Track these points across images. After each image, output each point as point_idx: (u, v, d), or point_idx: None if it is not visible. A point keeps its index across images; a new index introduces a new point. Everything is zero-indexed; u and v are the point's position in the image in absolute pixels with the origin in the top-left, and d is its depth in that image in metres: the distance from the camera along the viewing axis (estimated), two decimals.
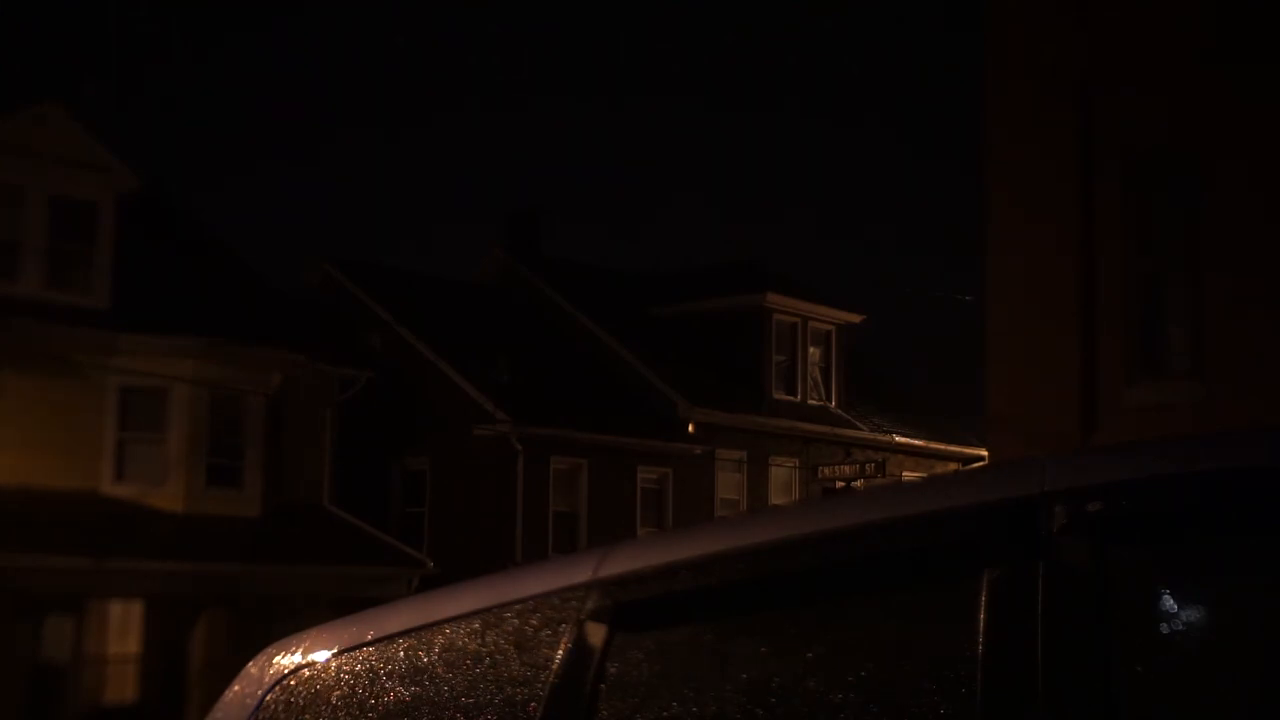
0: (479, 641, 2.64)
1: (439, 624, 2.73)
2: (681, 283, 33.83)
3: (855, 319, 34.04)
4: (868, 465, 30.23)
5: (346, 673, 2.81)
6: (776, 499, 30.59)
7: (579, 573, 2.59)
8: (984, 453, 21.17)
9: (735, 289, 32.27)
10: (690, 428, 29.37)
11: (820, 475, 30.44)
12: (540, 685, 2.48)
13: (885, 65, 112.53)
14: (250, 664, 3.00)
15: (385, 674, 2.74)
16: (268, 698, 2.87)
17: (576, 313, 31.46)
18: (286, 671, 2.89)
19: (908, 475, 31.38)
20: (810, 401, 32.43)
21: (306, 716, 2.80)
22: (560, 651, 2.49)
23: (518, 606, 2.62)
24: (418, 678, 2.69)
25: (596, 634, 2.47)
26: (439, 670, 2.67)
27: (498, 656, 2.59)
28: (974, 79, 13.92)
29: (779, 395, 31.75)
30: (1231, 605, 2.04)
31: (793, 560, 2.34)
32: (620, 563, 2.55)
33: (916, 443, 34.19)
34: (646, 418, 28.94)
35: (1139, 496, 2.08)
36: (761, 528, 2.50)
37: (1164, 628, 2.05)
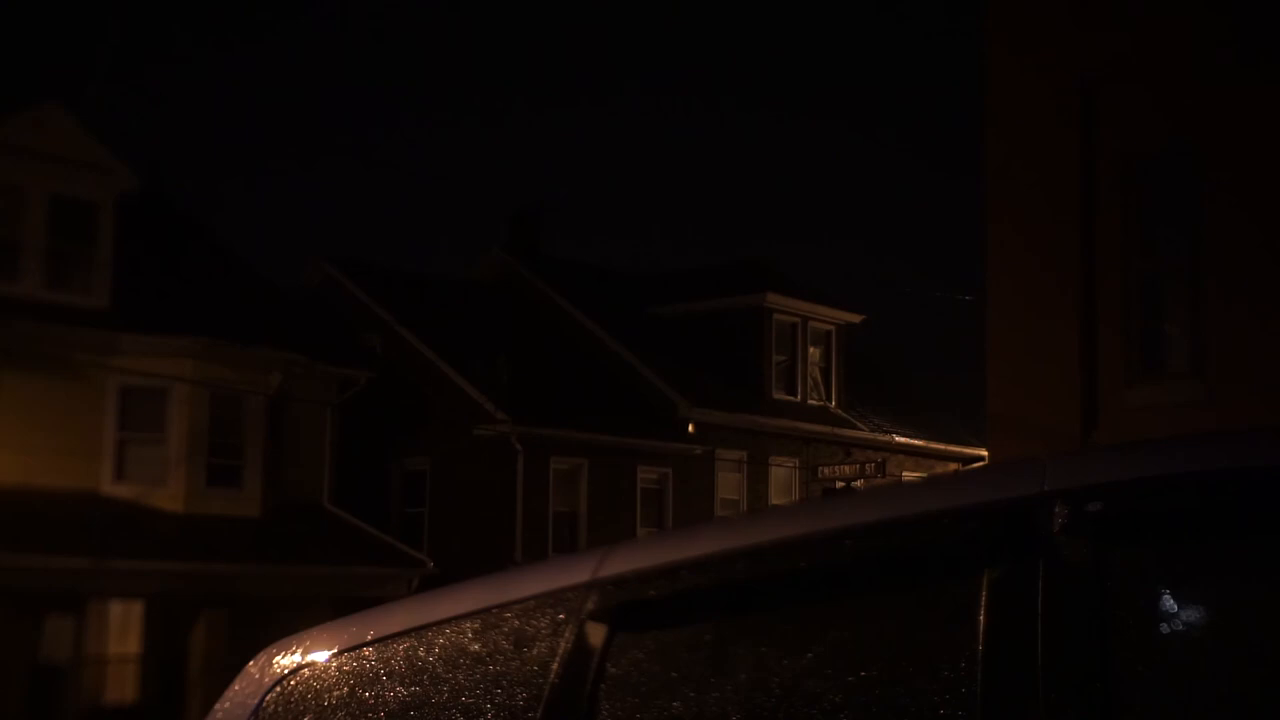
0: (479, 641, 2.64)
1: (439, 624, 2.73)
2: (681, 283, 33.84)
3: (855, 319, 34.04)
4: (868, 465, 30.22)
5: (346, 673, 2.81)
6: (776, 499, 30.59)
7: (579, 573, 2.59)
8: (984, 453, 21.17)
9: (735, 289, 32.27)
10: (690, 428, 29.37)
11: (820, 475, 30.44)
12: (540, 685, 2.48)
13: (885, 65, 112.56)
14: (250, 664, 3.00)
15: (385, 674, 2.74)
16: (268, 698, 2.87)
17: (576, 313, 31.46)
18: (286, 671, 2.89)
19: (908, 475, 31.39)
20: (810, 401, 32.43)
21: (307, 717, 2.80)
22: (560, 652, 2.49)
23: (518, 606, 2.62)
24: (418, 678, 2.69)
25: (596, 634, 2.47)
26: (439, 670, 2.67)
27: (498, 656, 2.59)
28: (975, 78, 13.93)
29: (779, 395, 31.75)
30: (1231, 605, 2.04)
31: (793, 560, 2.34)
32: (620, 563, 2.55)
33: (916, 443, 34.19)
34: (646, 418, 28.95)
35: (1139, 496, 2.09)
36: (761, 528, 2.50)
37: (1163, 627, 2.05)
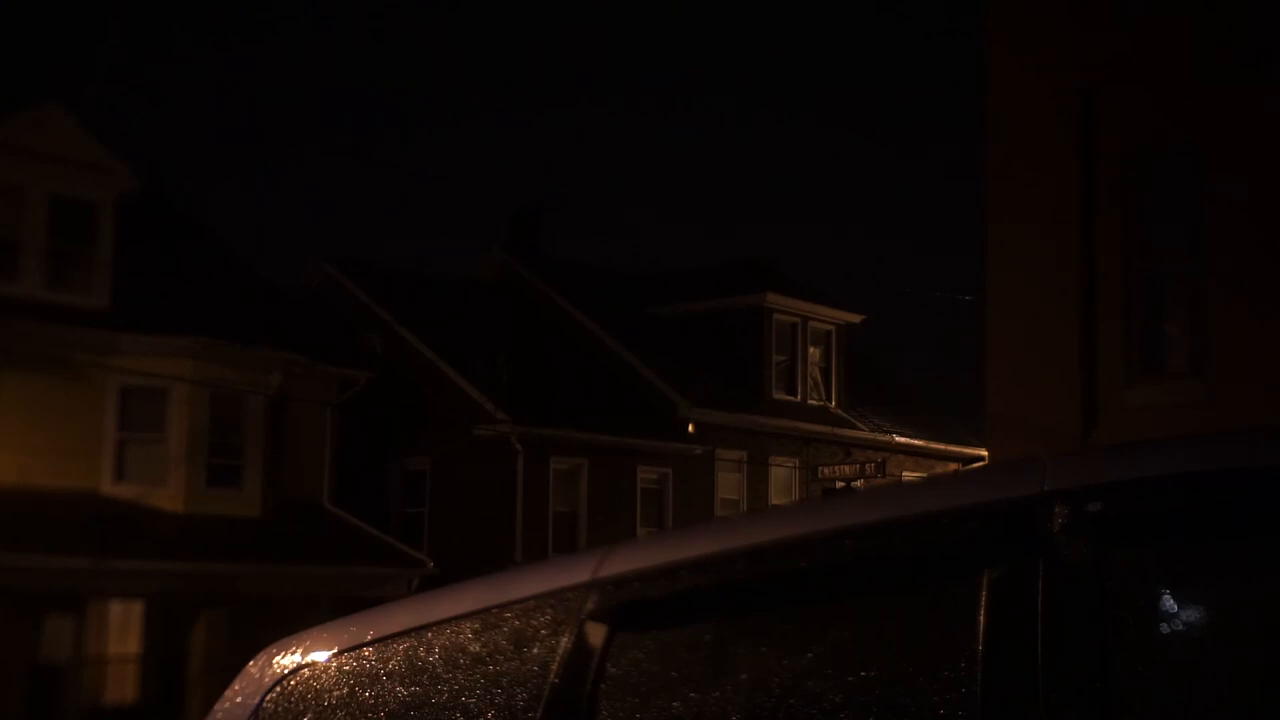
0: (479, 641, 2.64)
1: (439, 624, 2.72)
2: (681, 283, 33.84)
3: (855, 319, 34.04)
4: (868, 465, 30.22)
5: (346, 673, 2.81)
6: (776, 499, 30.59)
7: (579, 573, 2.59)
8: (984, 453, 21.17)
9: (735, 289, 32.27)
10: (690, 428, 29.37)
11: (820, 475, 30.43)
12: (540, 686, 2.48)
13: (885, 65, 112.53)
14: (250, 664, 3.00)
15: (385, 674, 2.74)
16: (267, 698, 2.87)
17: (576, 313, 31.46)
18: (286, 671, 2.89)
19: (908, 475, 31.38)
20: (810, 401, 32.43)
21: (306, 717, 2.80)
22: (560, 651, 2.49)
23: (518, 606, 2.62)
24: (418, 678, 2.69)
25: (596, 634, 2.47)
26: (439, 670, 2.67)
27: (498, 656, 2.59)
28: (975, 78, 13.94)
29: (779, 395, 31.75)
30: (1231, 605, 2.04)
31: (793, 560, 2.34)
32: (620, 563, 2.55)
33: (916, 443, 34.19)
34: (646, 418, 28.94)
35: (1139, 496, 2.08)
36: (761, 528, 2.50)
37: (1163, 627, 2.05)
